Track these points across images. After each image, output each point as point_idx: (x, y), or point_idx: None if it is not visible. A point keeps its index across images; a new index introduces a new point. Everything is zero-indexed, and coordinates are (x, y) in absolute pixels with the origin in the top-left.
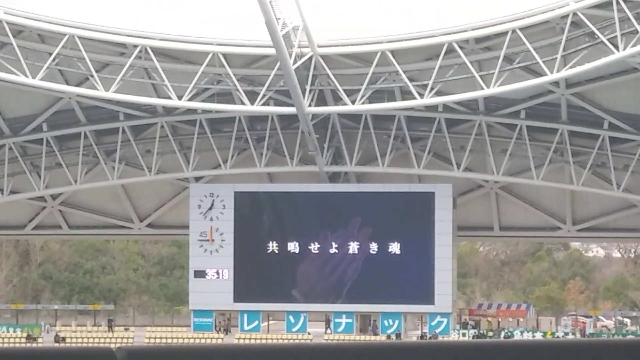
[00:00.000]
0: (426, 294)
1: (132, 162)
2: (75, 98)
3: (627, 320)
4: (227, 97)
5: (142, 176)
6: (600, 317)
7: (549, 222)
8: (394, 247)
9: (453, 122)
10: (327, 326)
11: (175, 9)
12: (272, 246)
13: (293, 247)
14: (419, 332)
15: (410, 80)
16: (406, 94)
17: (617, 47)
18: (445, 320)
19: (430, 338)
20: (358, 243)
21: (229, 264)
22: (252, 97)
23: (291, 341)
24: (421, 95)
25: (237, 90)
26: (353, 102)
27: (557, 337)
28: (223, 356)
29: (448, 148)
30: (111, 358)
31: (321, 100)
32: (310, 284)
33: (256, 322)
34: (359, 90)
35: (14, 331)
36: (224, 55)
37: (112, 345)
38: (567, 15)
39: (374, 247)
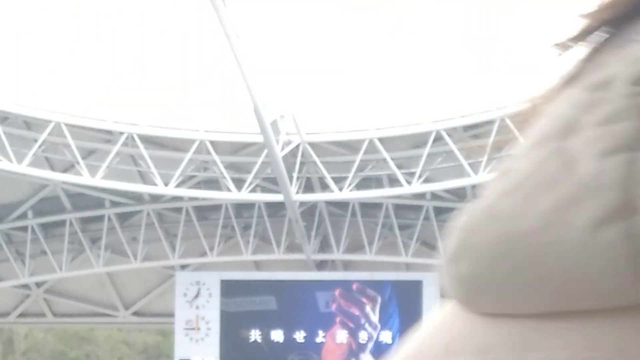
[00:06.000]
0: None
1: (117, 249)
2: (61, 185)
3: None
4: (213, 184)
5: (128, 264)
6: None
7: None
8: (385, 337)
9: (441, 210)
10: None
11: (163, 96)
12: (255, 335)
13: (277, 335)
14: None
15: (398, 167)
16: (394, 182)
17: None
18: None
19: None
20: (347, 332)
21: (215, 352)
22: (238, 184)
23: None
24: (409, 183)
25: (224, 177)
26: (340, 190)
27: None
28: None
29: (436, 236)
30: None
31: (308, 188)
32: None
33: None
34: (347, 177)
35: None
36: (211, 142)
37: None
38: None
39: (363, 336)
